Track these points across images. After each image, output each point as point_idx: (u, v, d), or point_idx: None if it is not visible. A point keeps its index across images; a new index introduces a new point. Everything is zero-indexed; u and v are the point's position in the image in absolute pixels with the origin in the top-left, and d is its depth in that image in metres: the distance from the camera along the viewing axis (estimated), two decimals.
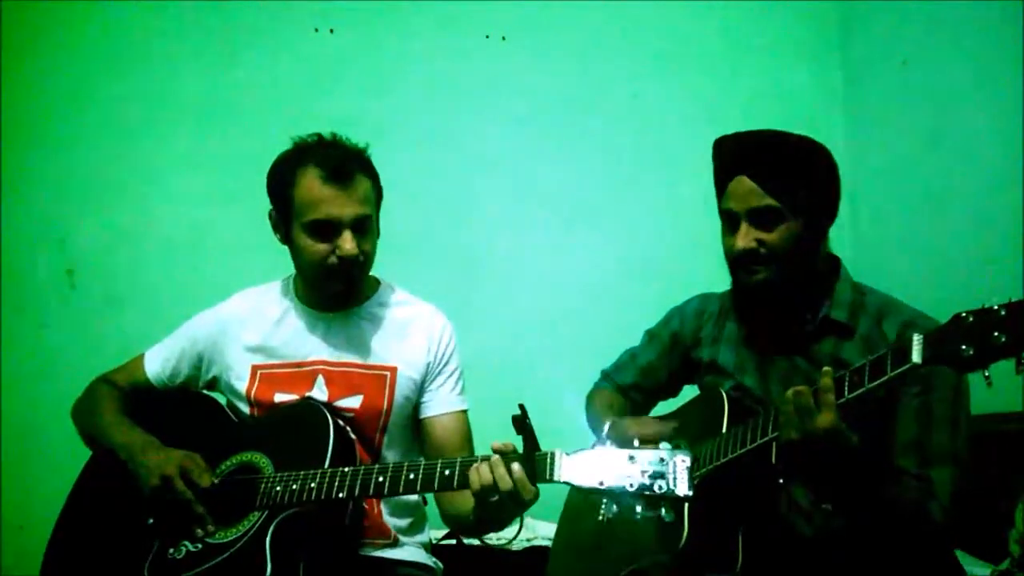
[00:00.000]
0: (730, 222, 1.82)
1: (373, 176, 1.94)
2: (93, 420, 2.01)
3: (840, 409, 1.55)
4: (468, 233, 3.29)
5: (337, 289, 1.96)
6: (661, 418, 2.10)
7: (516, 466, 1.56)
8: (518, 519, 1.71)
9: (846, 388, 1.55)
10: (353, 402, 1.94)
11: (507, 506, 1.60)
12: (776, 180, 1.77)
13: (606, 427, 1.96)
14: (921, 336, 1.47)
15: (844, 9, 3.54)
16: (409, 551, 1.98)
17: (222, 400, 2.05)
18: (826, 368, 1.58)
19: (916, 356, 1.46)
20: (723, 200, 1.83)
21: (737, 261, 1.81)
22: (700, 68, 3.47)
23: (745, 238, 1.77)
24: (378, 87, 3.27)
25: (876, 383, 1.52)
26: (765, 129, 1.87)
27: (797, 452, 1.60)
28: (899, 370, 1.48)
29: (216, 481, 1.82)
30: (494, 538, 2.48)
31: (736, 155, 1.82)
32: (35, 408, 2.89)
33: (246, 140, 3.08)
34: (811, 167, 1.81)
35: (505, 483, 1.56)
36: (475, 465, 1.61)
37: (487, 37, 3.36)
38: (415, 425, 2.02)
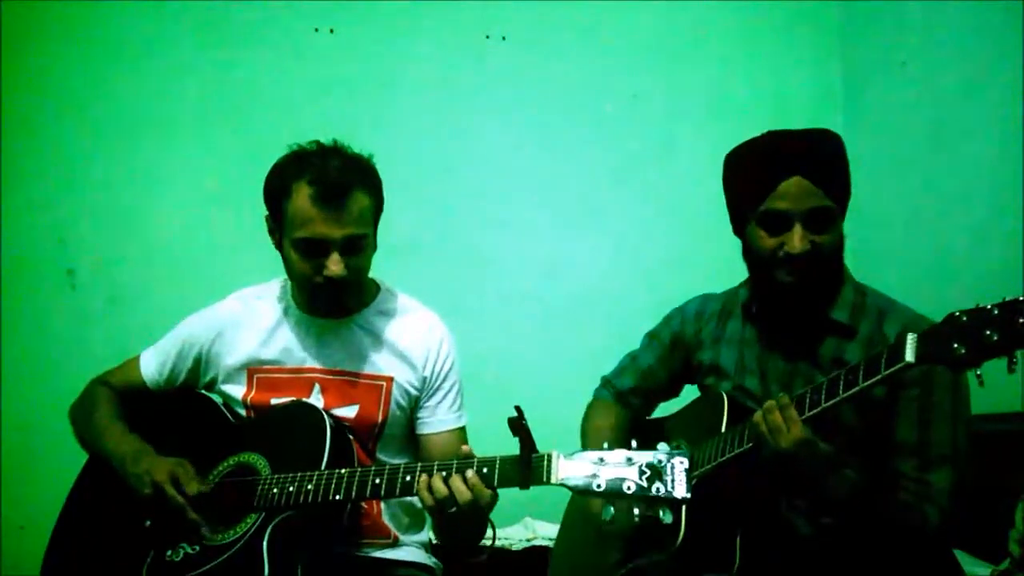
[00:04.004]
0: (776, 223, 1.74)
1: (373, 189, 1.87)
2: (87, 426, 2.01)
3: (840, 407, 1.58)
4: (467, 233, 3.29)
5: (324, 305, 1.95)
6: (659, 421, 2.10)
7: (470, 473, 1.60)
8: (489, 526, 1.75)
9: (841, 387, 1.56)
10: (348, 412, 1.93)
11: (464, 517, 1.62)
12: (832, 181, 1.74)
13: None
14: (915, 335, 1.48)
15: (844, 10, 3.54)
16: (409, 551, 1.98)
17: (219, 400, 2.04)
18: (781, 394, 1.64)
19: (909, 355, 1.47)
20: (769, 200, 1.73)
21: (790, 263, 1.72)
22: (700, 68, 3.47)
23: (803, 240, 1.71)
24: (378, 87, 3.27)
25: (871, 382, 1.52)
26: (811, 128, 1.83)
27: (780, 467, 1.63)
28: (893, 368, 1.49)
29: (206, 487, 1.81)
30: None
31: (792, 155, 1.74)
32: (35, 408, 2.89)
33: (246, 140, 3.08)
34: (847, 164, 1.80)
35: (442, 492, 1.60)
36: (422, 479, 1.63)
37: (487, 37, 3.36)
38: (409, 434, 2.01)
